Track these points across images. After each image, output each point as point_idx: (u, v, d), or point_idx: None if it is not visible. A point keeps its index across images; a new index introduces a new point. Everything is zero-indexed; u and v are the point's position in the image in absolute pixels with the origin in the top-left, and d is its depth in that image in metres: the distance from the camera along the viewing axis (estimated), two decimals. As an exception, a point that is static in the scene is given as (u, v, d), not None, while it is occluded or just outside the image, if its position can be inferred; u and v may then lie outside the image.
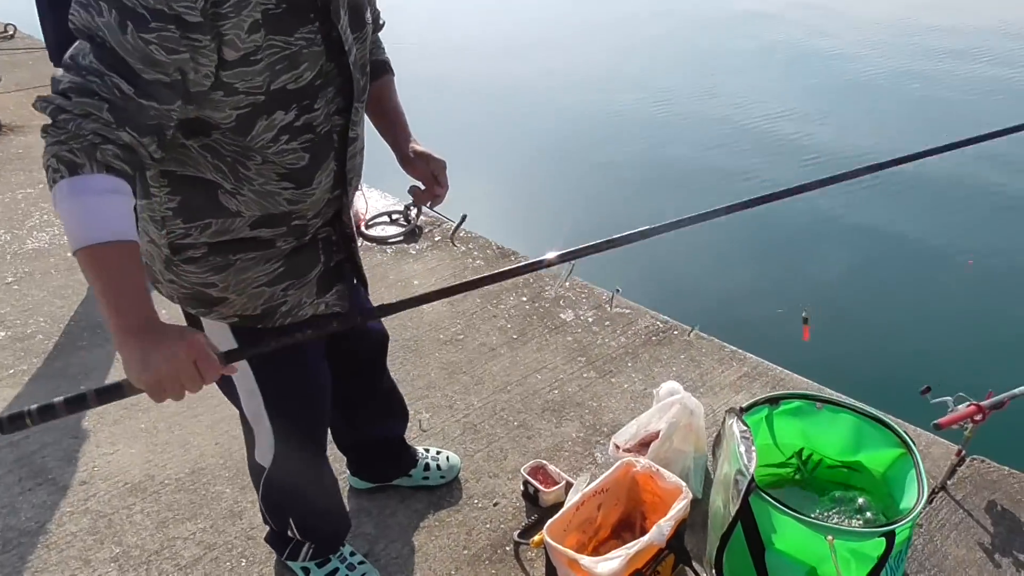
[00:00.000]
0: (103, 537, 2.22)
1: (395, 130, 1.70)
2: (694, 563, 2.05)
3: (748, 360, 2.97)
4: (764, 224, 5.15)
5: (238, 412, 1.72)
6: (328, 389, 1.79)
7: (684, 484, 2.02)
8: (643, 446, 2.41)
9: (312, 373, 1.71)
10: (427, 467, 2.36)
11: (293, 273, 1.50)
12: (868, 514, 2.02)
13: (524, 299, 3.37)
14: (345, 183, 1.50)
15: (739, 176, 5.98)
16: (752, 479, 1.81)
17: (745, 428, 1.96)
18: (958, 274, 4.44)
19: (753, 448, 1.89)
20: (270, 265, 1.46)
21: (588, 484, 2.04)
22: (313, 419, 1.79)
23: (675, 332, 3.14)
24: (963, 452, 2.37)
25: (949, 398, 2.37)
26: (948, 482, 2.37)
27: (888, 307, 4.31)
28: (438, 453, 2.41)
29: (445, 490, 2.36)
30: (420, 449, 2.39)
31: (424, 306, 3.22)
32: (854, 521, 2.01)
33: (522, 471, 2.33)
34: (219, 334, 1.52)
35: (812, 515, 2.05)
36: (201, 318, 1.51)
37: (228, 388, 1.66)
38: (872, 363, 3.73)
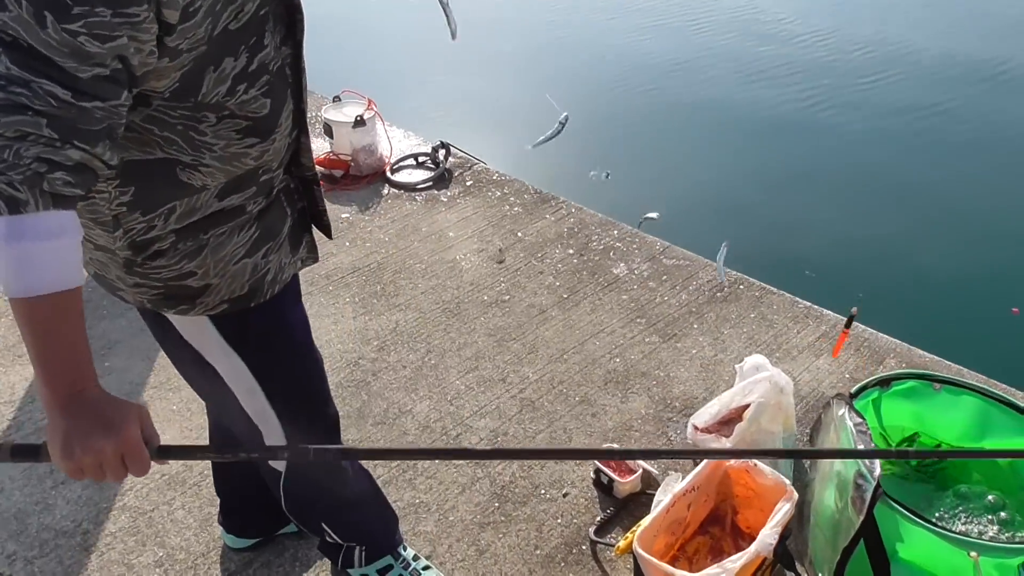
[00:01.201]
0: (144, 538, 2.03)
1: None
2: (796, 564, 1.84)
3: (825, 318, 2.71)
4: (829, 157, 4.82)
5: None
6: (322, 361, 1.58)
7: (787, 481, 1.80)
8: (724, 424, 2.19)
9: (307, 347, 1.51)
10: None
11: (268, 235, 1.31)
12: (1003, 514, 1.79)
13: (571, 252, 3.09)
14: (304, 121, 1.32)
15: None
16: (879, 485, 1.58)
17: (860, 421, 1.72)
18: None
19: (874, 447, 1.65)
20: (245, 233, 1.27)
21: (679, 483, 1.82)
22: (322, 399, 1.58)
23: (741, 287, 2.88)
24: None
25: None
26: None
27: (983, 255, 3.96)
28: (425, 559, 1.92)
29: (508, 479, 2.15)
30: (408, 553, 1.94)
31: (463, 261, 2.96)
32: (987, 523, 1.79)
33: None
34: (200, 334, 1.33)
35: (936, 515, 1.84)
36: (180, 316, 1.30)
37: (212, 390, 1.44)
38: (971, 323, 3.45)
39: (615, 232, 3.20)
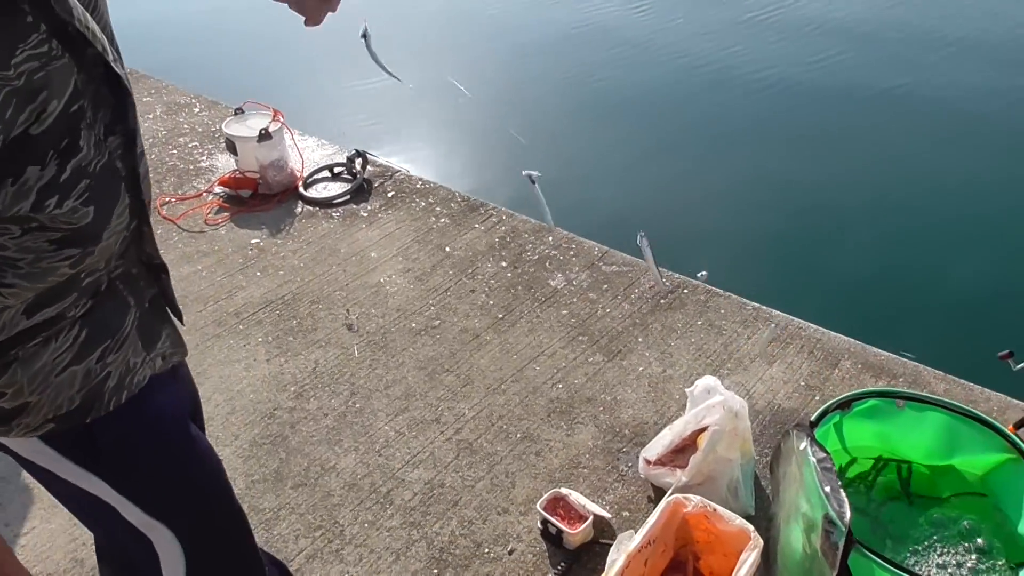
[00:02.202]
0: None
1: None
2: (766, 614, 1.68)
3: (775, 317, 2.56)
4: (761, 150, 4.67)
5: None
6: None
7: (750, 528, 1.63)
8: (678, 453, 2.02)
9: (187, 444, 1.23)
10: None
11: (103, 333, 1.05)
12: (979, 540, 1.65)
13: (504, 264, 2.88)
14: (144, 210, 1.05)
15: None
16: (850, 534, 1.42)
17: (824, 456, 1.55)
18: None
19: (840, 488, 1.48)
20: (66, 338, 1.01)
21: (633, 540, 1.63)
22: (218, 499, 1.31)
23: (685, 291, 2.70)
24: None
25: (1035, 361, 1.99)
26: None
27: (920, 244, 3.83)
28: None
29: (447, 539, 1.94)
30: None
31: (388, 284, 2.73)
32: (964, 553, 1.65)
33: (538, 507, 1.91)
34: (41, 453, 1.07)
35: (910, 548, 1.69)
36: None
37: (79, 508, 1.20)
38: (921, 314, 3.33)
39: (550, 239, 2.99)
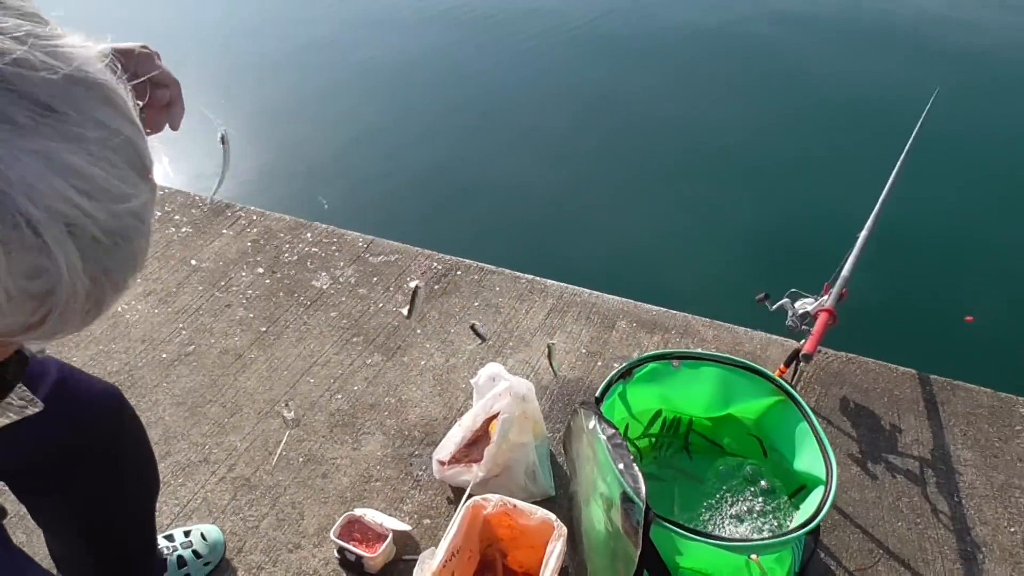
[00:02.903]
0: None
1: None
2: (579, 597, 1.66)
3: (550, 289, 2.55)
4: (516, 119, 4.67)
5: None
6: None
7: (553, 518, 1.59)
8: (471, 447, 1.94)
9: None
10: (181, 561, 1.72)
11: None
12: (762, 483, 1.73)
13: (260, 271, 2.63)
14: None
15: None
16: (648, 509, 1.41)
17: (613, 432, 1.54)
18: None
19: (633, 463, 1.47)
20: None
21: (435, 558, 1.53)
22: None
23: (458, 272, 2.62)
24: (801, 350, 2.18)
25: (785, 300, 2.13)
26: (796, 387, 2.18)
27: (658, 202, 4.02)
28: (187, 534, 1.77)
29: (234, 593, 1.73)
30: (161, 541, 1.72)
31: (126, 312, 2.39)
32: (751, 497, 1.72)
33: (332, 536, 1.75)
34: None
35: (704, 503, 1.74)
36: None
37: None
38: (686, 268, 3.47)
39: (308, 235, 2.78)
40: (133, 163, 0.54)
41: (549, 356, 2.07)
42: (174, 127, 0.97)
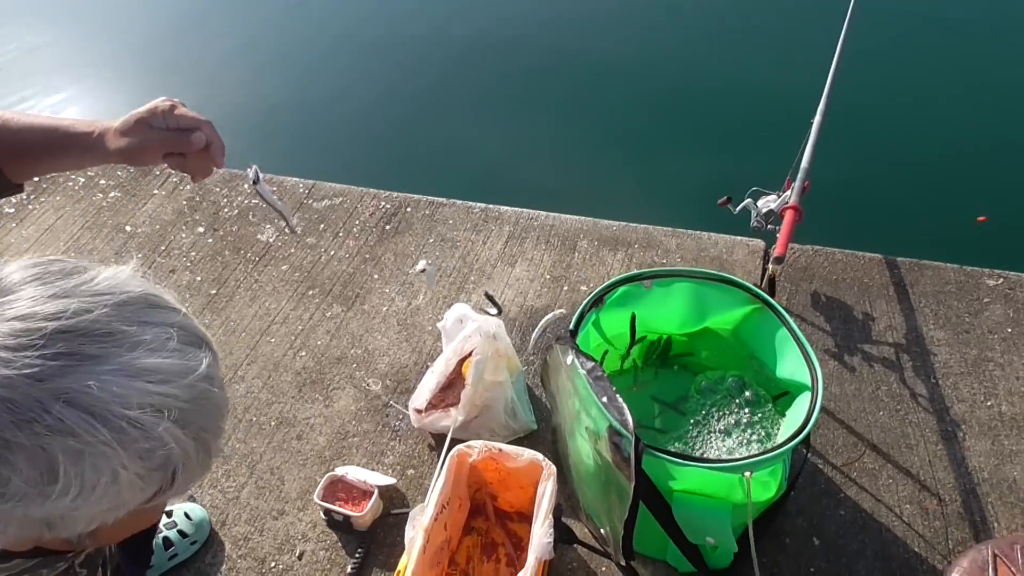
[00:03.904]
0: None
1: (58, 134, 1.06)
2: (575, 532, 1.64)
3: (505, 215, 2.46)
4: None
5: None
6: None
7: (540, 457, 1.55)
8: (447, 391, 1.89)
9: None
10: (167, 542, 1.67)
11: None
12: (747, 394, 1.71)
13: (201, 230, 2.48)
14: None
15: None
16: (637, 440, 1.37)
17: (592, 365, 1.49)
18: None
19: (617, 395, 1.43)
20: None
21: (425, 513, 1.49)
22: None
23: (408, 209, 2.51)
24: (768, 250, 2.14)
25: (748, 200, 2.08)
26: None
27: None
28: (169, 515, 1.72)
29: (225, 565, 1.68)
30: None
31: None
32: (737, 409, 1.70)
33: (316, 499, 1.70)
34: None
35: (691, 421, 1.71)
36: None
37: None
38: (645, 181, 3.36)
39: (245, 187, 2.63)
40: (190, 340, 0.68)
41: (490, 300, 2.02)
42: (219, 165, 1.07)
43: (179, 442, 0.64)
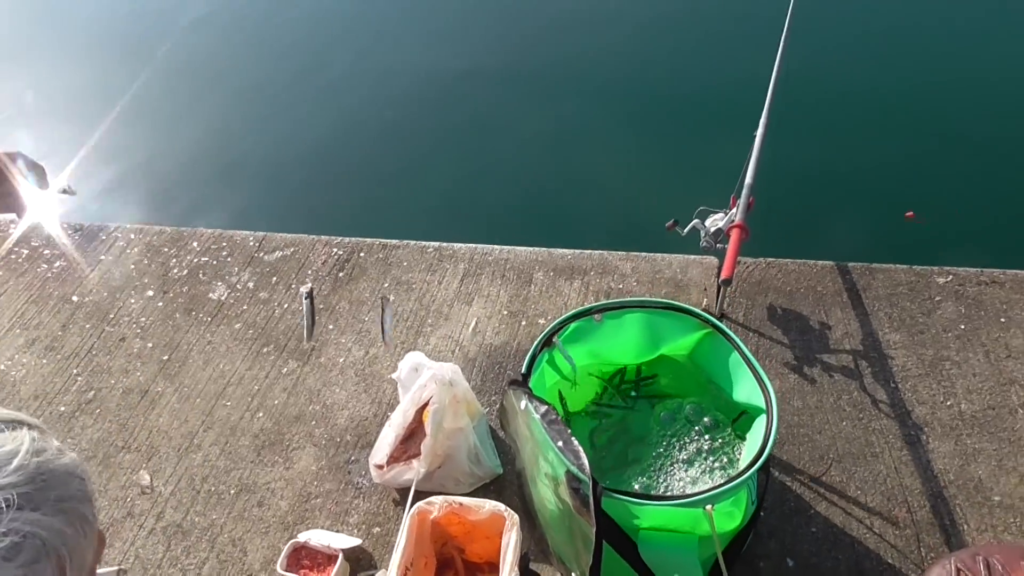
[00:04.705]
0: None
1: None
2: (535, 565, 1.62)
3: (459, 252, 2.44)
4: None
5: None
6: None
7: (502, 508, 1.52)
8: (408, 442, 1.86)
9: None
10: None
11: None
12: (706, 420, 1.69)
13: (151, 293, 2.44)
14: None
15: None
16: (595, 483, 1.35)
17: (546, 408, 1.46)
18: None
19: (572, 438, 1.41)
20: None
21: (392, 569, 1.45)
22: None
23: (361, 253, 2.48)
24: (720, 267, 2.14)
25: (696, 220, 2.08)
26: (724, 308, 2.15)
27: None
28: None
29: (190, 652, 1.63)
30: None
31: (11, 369, 2.20)
32: (698, 436, 1.68)
33: (279, 569, 1.66)
34: None
35: (653, 454, 1.70)
36: None
37: None
38: (585, 205, 3.34)
39: (194, 244, 2.59)
40: (2, 425, 0.65)
41: (382, 312, 1.84)
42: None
43: (40, 525, 0.60)
